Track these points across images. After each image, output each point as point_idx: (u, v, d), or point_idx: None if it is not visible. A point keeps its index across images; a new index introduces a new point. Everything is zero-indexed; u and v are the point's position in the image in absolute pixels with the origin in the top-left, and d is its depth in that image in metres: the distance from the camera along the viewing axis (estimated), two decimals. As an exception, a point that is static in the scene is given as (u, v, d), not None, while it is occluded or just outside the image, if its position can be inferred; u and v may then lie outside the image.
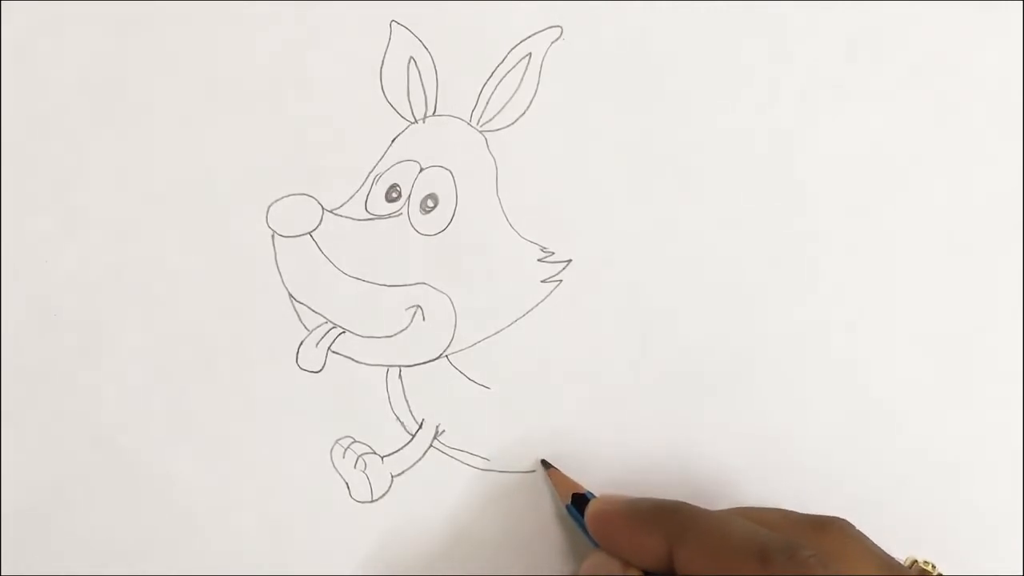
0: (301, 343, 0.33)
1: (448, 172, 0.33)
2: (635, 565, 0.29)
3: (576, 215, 0.34)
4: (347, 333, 0.33)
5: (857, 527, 0.29)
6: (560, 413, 0.34)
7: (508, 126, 0.33)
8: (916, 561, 0.30)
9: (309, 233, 0.33)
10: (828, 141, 0.34)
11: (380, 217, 0.33)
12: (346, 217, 0.33)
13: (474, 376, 0.34)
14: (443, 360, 0.34)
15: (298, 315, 0.33)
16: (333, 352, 0.33)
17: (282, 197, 0.32)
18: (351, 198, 0.33)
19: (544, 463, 0.34)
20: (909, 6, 0.34)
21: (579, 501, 0.32)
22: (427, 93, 0.33)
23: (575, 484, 0.33)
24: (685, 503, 0.30)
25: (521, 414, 0.34)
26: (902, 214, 0.35)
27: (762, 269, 0.34)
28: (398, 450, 0.33)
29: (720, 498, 0.34)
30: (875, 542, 0.29)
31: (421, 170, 0.33)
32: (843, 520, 0.29)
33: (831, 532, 0.29)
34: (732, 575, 0.27)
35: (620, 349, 0.34)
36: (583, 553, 0.34)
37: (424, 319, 0.33)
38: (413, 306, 0.33)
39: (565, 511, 0.33)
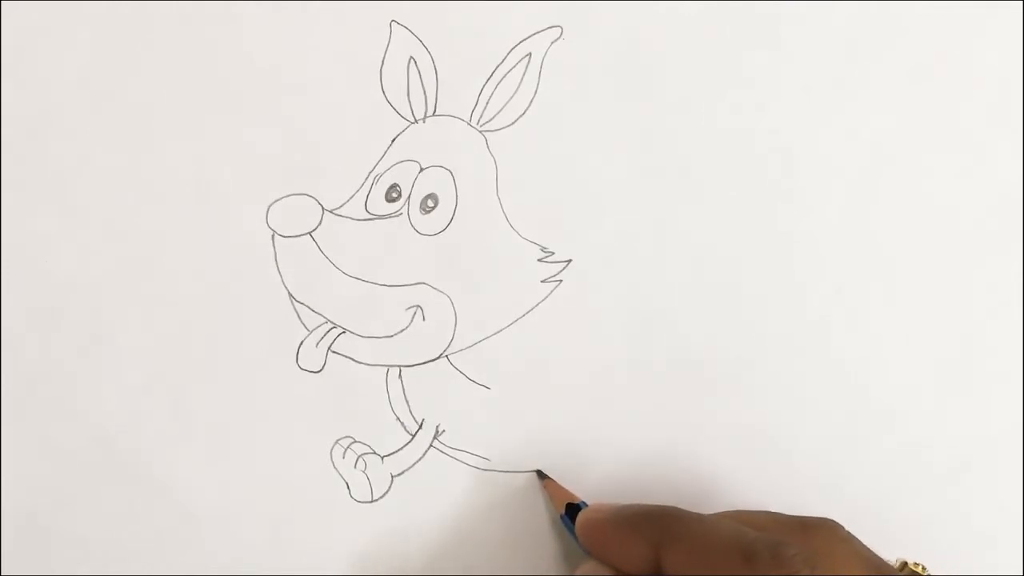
0: (301, 343, 0.33)
1: (448, 172, 0.33)
2: (624, 572, 0.29)
3: (576, 215, 0.34)
4: (347, 333, 0.33)
5: (847, 528, 0.29)
6: (560, 413, 0.34)
7: (508, 126, 0.33)
8: (907, 563, 0.30)
9: (309, 233, 0.33)
10: (828, 141, 0.34)
11: (380, 217, 0.33)
12: (346, 217, 0.33)
13: (474, 376, 0.34)
14: (443, 360, 0.34)
15: (298, 315, 0.33)
16: (333, 352, 0.33)
17: (282, 197, 0.32)
18: (351, 198, 0.33)
19: (539, 473, 0.34)
20: (909, 6, 0.34)
21: (572, 510, 0.32)
22: (427, 93, 0.33)
23: (569, 494, 0.33)
24: (673, 507, 0.30)
25: (521, 414, 0.34)
26: (902, 214, 0.35)
27: (762, 269, 0.34)
28: (398, 450, 0.33)
29: (719, 498, 0.34)
30: (865, 544, 0.29)
31: (421, 170, 0.33)
32: (832, 521, 0.29)
33: (819, 533, 0.28)
34: (717, 575, 0.27)
35: (620, 349, 0.34)
36: (580, 554, 0.34)
37: (424, 319, 0.33)
38: (413, 306, 0.33)
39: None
